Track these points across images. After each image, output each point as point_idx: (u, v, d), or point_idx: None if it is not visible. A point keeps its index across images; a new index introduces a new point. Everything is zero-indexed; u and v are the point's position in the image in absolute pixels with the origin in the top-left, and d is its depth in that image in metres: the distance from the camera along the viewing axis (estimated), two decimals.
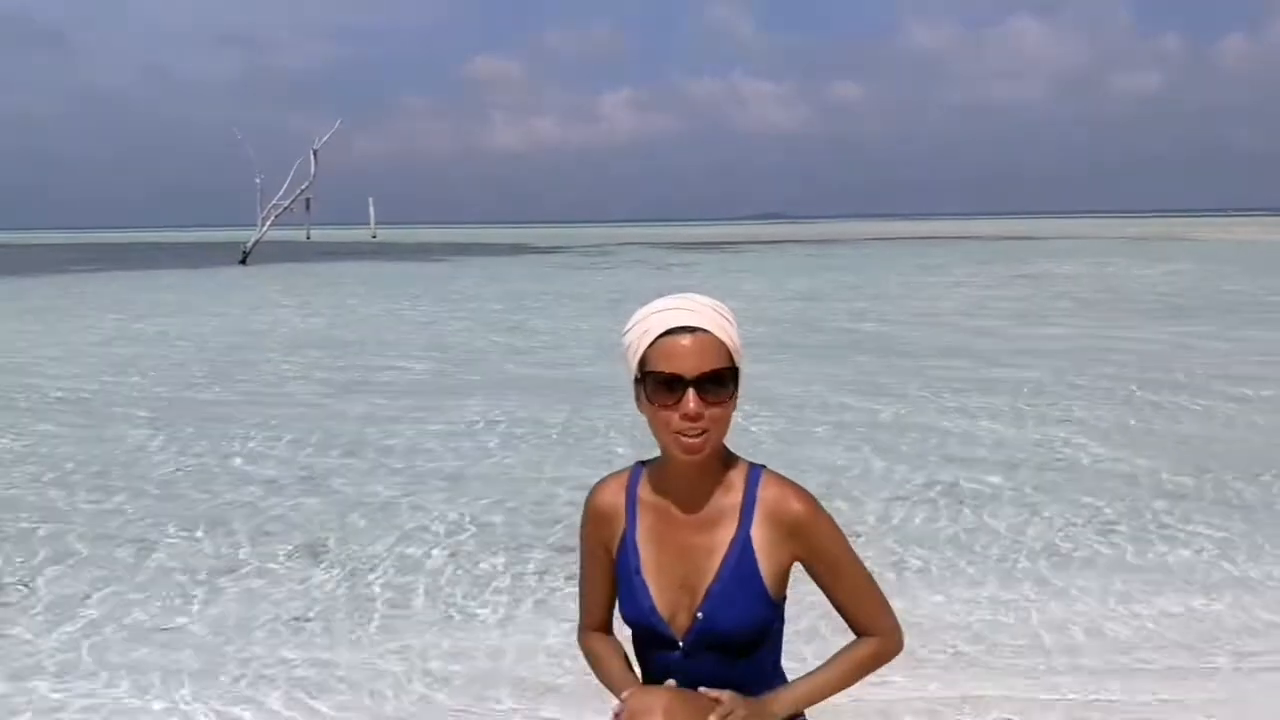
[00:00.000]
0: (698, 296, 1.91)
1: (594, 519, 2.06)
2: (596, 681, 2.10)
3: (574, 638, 2.26)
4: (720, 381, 1.86)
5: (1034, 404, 9.04)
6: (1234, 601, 4.46)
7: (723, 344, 1.87)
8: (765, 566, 1.93)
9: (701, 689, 1.92)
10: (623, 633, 2.09)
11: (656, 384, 1.86)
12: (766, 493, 1.95)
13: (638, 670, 2.07)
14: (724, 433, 1.91)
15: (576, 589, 2.19)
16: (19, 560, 5.27)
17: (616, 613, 2.09)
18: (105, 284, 30.82)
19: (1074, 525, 5.58)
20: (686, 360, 1.84)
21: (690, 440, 1.86)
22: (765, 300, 20.73)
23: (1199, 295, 20.21)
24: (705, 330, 1.86)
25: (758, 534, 1.93)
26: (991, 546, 5.26)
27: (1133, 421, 8.25)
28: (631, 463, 2.09)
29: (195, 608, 4.65)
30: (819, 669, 2.02)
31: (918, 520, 5.76)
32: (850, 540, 2.02)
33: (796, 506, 1.93)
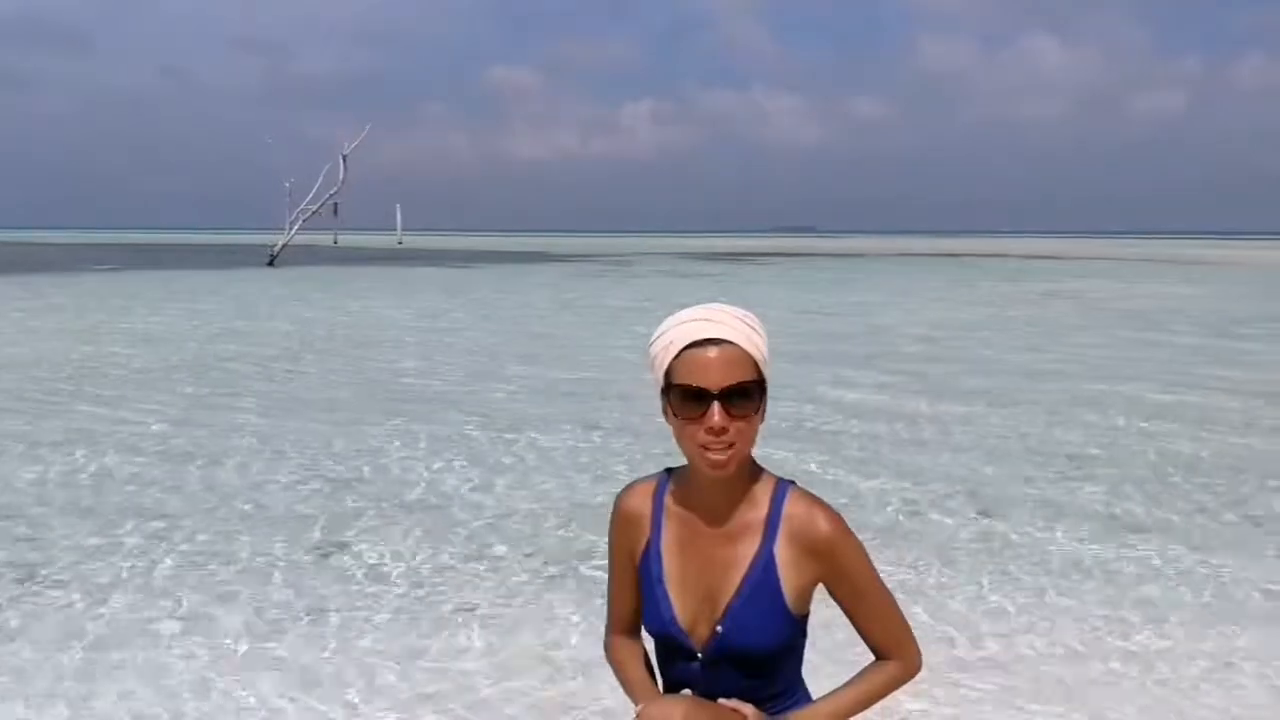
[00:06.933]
0: (725, 306, 1.90)
1: (621, 524, 2.05)
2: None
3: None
4: (746, 394, 1.84)
5: None
6: None
7: (749, 356, 1.85)
8: (787, 584, 1.91)
9: (721, 701, 1.92)
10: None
11: (682, 397, 1.85)
12: (793, 510, 1.93)
13: (660, 679, 2.07)
14: (750, 446, 1.89)
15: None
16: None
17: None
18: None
19: None
20: (712, 373, 1.82)
21: (716, 456, 1.84)
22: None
23: None
24: (731, 342, 1.84)
25: (781, 551, 1.91)
26: None
27: None
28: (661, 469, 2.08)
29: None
30: (839, 689, 2.01)
31: None
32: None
33: (823, 527, 1.91)
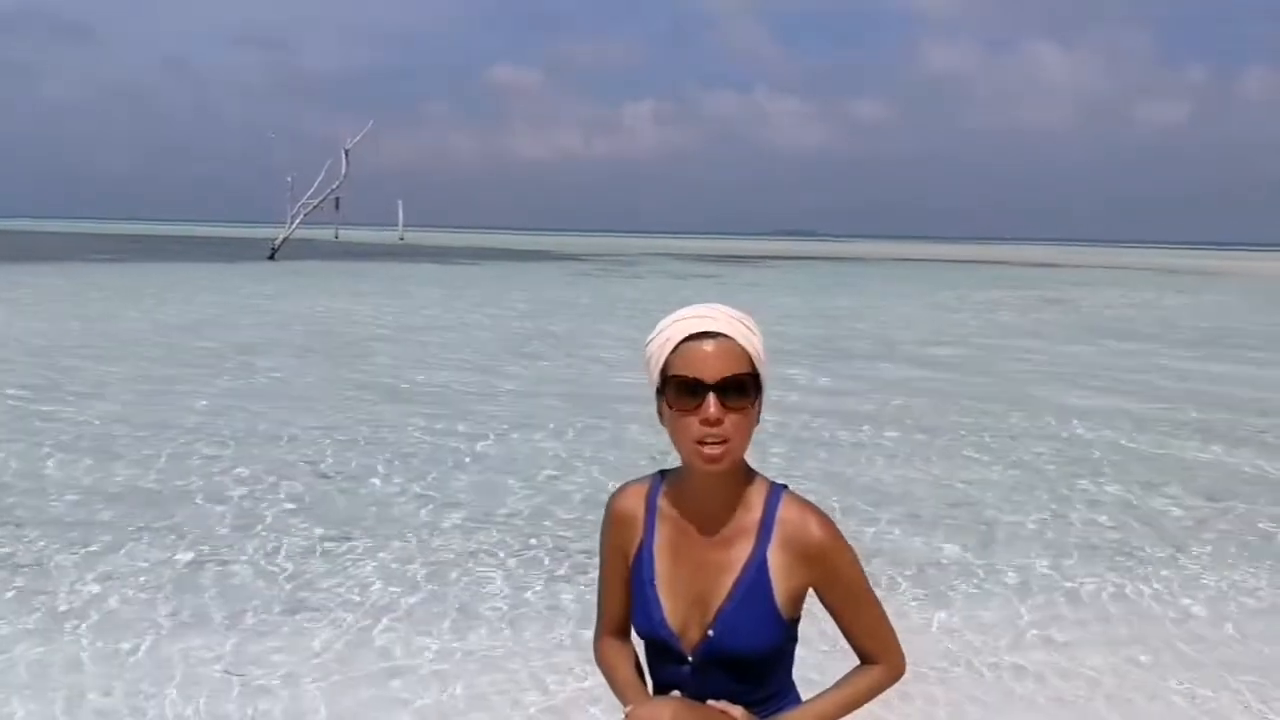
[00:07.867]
0: (721, 306, 1.90)
1: (614, 525, 2.04)
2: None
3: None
4: (741, 387, 1.84)
5: None
6: None
7: (745, 352, 1.85)
8: (779, 589, 1.91)
9: (710, 702, 1.92)
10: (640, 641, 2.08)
11: (677, 388, 1.84)
12: (787, 514, 1.93)
13: (649, 681, 2.07)
14: (745, 443, 1.88)
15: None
16: None
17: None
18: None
19: None
20: (707, 365, 1.82)
21: (711, 449, 1.83)
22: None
23: None
24: (728, 336, 1.84)
25: (774, 556, 1.91)
26: None
27: None
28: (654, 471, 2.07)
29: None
30: (826, 693, 2.01)
31: None
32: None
33: (817, 533, 1.91)
